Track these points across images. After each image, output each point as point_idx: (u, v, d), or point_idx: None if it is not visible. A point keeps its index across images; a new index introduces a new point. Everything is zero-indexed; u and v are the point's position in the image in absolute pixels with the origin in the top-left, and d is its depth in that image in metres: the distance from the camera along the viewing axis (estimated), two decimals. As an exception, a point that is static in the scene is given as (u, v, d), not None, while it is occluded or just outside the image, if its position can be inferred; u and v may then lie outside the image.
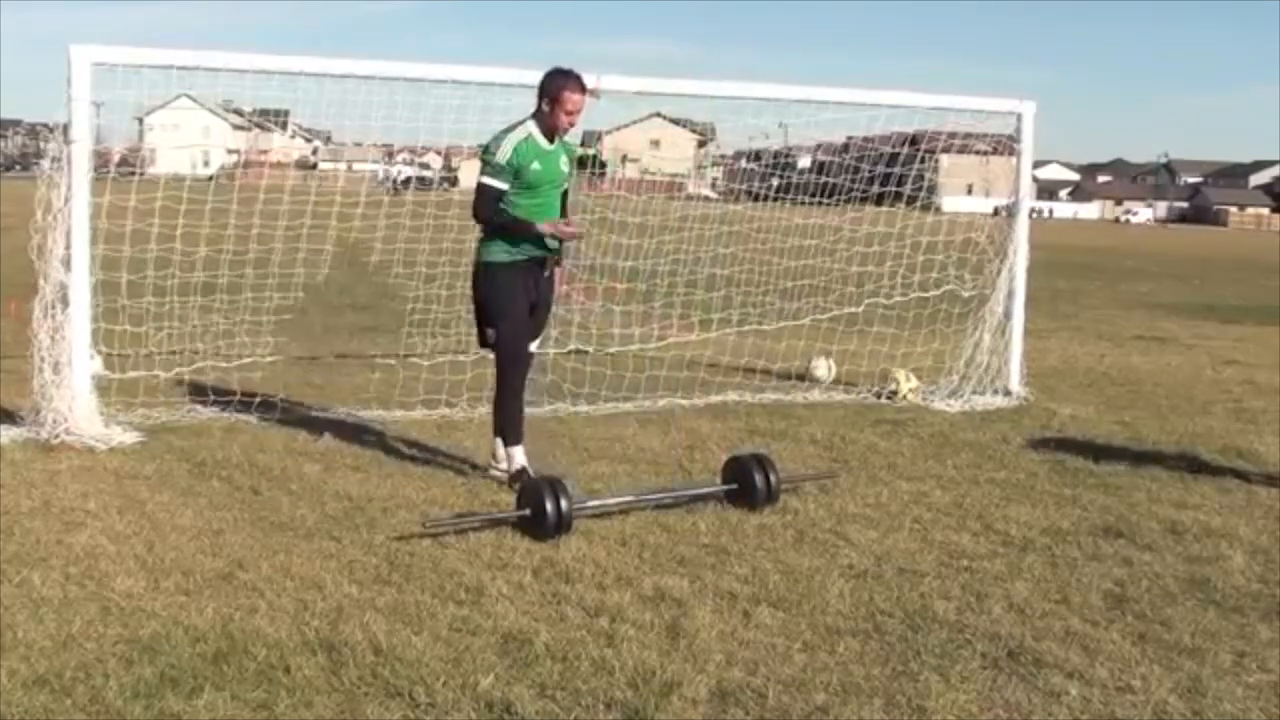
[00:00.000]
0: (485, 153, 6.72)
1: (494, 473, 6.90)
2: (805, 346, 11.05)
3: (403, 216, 10.31)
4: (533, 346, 7.02)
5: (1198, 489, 7.12)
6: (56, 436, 7.46)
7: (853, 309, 10.96)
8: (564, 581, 5.17)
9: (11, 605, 4.70)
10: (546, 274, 6.86)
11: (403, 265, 10.22)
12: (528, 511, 5.86)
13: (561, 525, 5.79)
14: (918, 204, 11.20)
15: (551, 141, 6.72)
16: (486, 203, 6.66)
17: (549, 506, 5.77)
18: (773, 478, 6.46)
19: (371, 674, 4.16)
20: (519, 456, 6.84)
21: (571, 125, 6.77)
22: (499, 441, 6.93)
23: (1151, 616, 4.96)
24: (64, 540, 5.57)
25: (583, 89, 6.71)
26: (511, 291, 6.73)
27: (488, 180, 6.64)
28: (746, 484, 6.45)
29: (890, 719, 3.99)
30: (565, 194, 6.98)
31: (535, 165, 6.65)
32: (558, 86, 6.66)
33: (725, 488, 6.51)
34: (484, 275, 6.78)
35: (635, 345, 10.06)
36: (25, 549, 5.42)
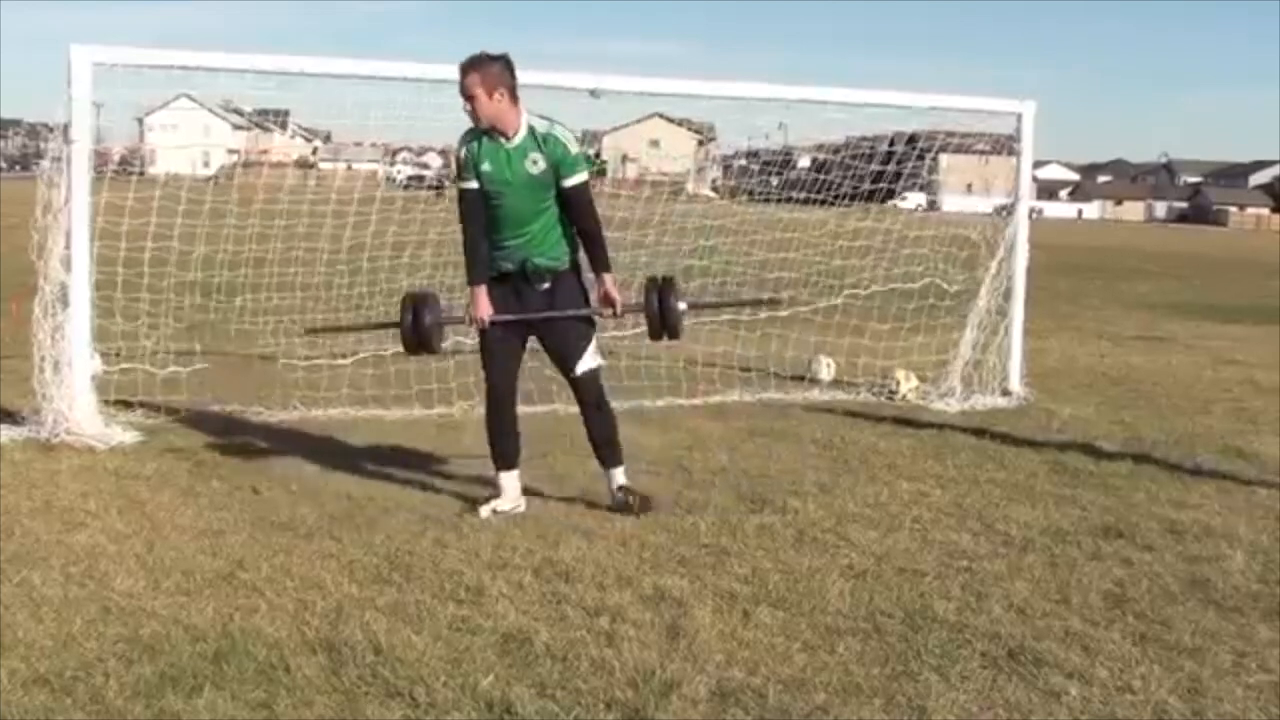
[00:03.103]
0: None
1: (490, 508, 6.20)
2: (802, 344, 11.05)
3: (407, 214, 10.34)
4: (579, 368, 6.27)
5: (1198, 489, 7.11)
6: (56, 436, 7.47)
7: (831, 301, 11.01)
8: (564, 581, 5.17)
9: (11, 605, 4.70)
10: (544, 287, 6.18)
11: (404, 266, 10.24)
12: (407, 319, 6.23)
13: (420, 339, 6.22)
14: (895, 199, 11.28)
15: (506, 138, 6.02)
16: (460, 204, 6.16)
17: (408, 318, 6.17)
18: (671, 299, 6.29)
19: (371, 674, 4.16)
20: (504, 482, 6.32)
21: (470, 114, 6.00)
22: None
23: (1151, 616, 4.96)
24: (64, 540, 5.57)
25: (463, 72, 5.95)
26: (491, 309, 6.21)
27: (460, 182, 6.15)
28: (650, 305, 6.29)
29: (890, 719, 4.00)
30: (580, 204, 6.13)
31: (485, 165, 6.04)
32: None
33: (634, 305, 6.38)
34: None
35: (609, 333, 9.97)
36: (25, 549, 5.43)
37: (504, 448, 6.38)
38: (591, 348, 6.31)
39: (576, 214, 6.15)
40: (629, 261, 11.25)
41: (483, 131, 6.04)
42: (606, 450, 6.43)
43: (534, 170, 6.03)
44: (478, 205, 6.11)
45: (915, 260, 10.84)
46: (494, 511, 6.20)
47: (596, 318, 6.38)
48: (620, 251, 10.83)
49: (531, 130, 6.04)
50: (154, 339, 9.29)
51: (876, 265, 11.16)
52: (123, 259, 8.62)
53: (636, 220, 11.01)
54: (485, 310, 6.18)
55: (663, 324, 6.32)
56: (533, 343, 6.42)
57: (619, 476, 6.42)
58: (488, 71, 5.94)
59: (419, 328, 6.21)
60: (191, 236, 9.42)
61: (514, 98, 6.01)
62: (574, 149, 6.09)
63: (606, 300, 6.27)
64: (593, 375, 6.34)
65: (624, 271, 11.36)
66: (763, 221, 11.68)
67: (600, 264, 6.26)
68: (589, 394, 6.35)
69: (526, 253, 6.13)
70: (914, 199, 13.16)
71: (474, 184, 6.09)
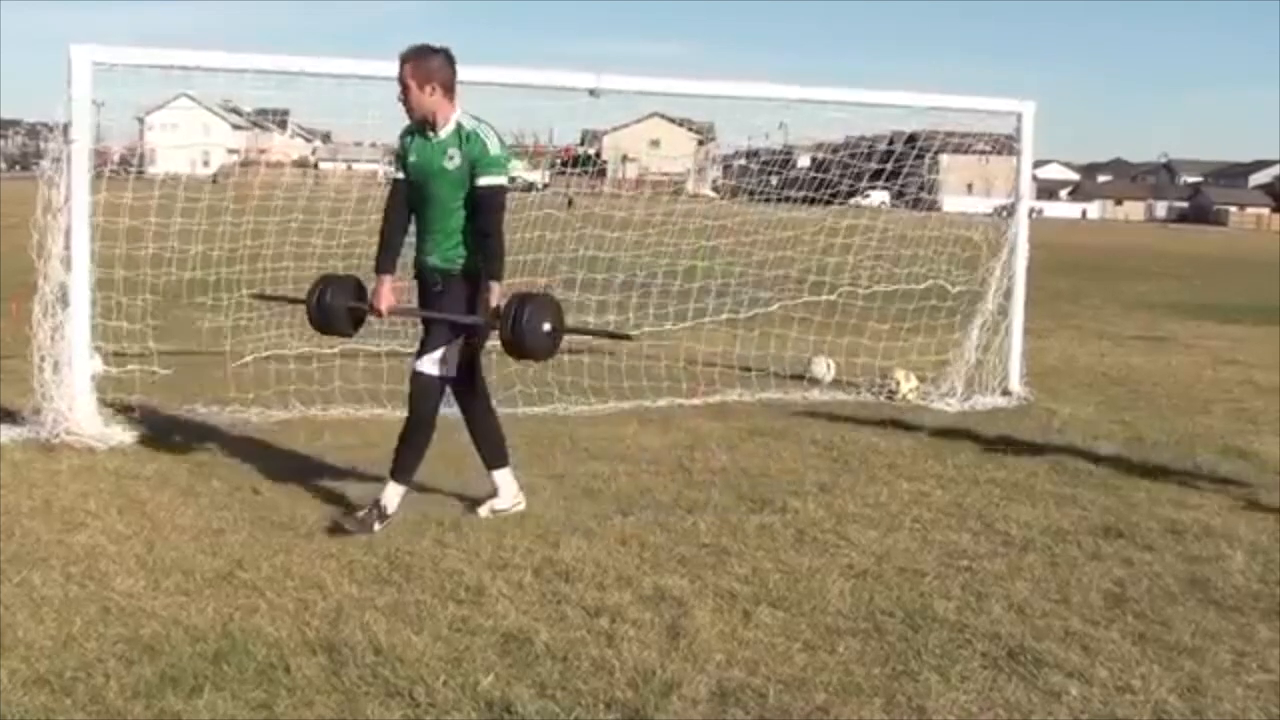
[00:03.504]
0: None
1: (488, 507, 6.23)
2: (802, 344, 11.05)
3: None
4: (417, 365, 6.10)
5: (1198, 489, 7.12)
6: (57, 436, 7.46)
7: (829, 298, 11.03)
8: (564, 581, 5.18)
9: (12, 605, 4.70)
10: (436, 289, 6.07)
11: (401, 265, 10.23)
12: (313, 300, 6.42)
13: (324, 319, 6.40)
14: (906, 199, 11.27)
15: (432, 132, 5.98)
16: (390, 193, 6.23)
17: (313, 299, 6.37)
18: (525, 315, 5.82)
19: (372, 674, 4.16)
20: (499, 480, 6.29)
21: (402, 103, 5.97)
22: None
23: (1151, 616, 4.96)
24: (64, 540, 5.57)
25: (402, 62, 5.93)
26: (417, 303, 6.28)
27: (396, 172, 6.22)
28: (502, 322, 5.86)
29: (890, 719, 4.00)
30: (486, 206, 5.90)
31: (412, 158, 6.03)
32: None
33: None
34: None
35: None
36: (25, 549, 5.43)
37: (487, 449, 6.33)
38: (438, 355, 6.02)
39: (480, 215, 5.91)
40: (629, 262, 11.29)
41: (419, 126, 6.05)
42: (398, 457, 6.13)
43: (449, 165, 5.92)
44: (401, 197, 6.15)
45: (918, 261, 10.85)
46: (493, 510, 6.20)
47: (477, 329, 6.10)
48: (620, 251, 10.86)
49: (458, 127, 5.97)
50: (153, 337, 9.29)
51: (877, 265, 11.17)
52: (122, 258, 8.62)
53: (636, 220, 11.02)
54: (383, 300, 6.21)
55: (515, 343, 5.90)
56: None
57: (386, 492, 6.06)
58: (423, 65, 5.93)
59: (321, 307, 6.40)
60: (189, 235, 9.42)
61: (448, 93, 5.96)
62: (493, 150, 5.92)
63: (485, 308, 5.94)
64: (427, 380, 6.04)
65: (626, 271, 11.44)
66: (763, 221, 11.69)
67: (490, 272, 5.97)
68: (414, 397, 6.09)
69: (430, 250, 6.06)
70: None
71: (401, 175, 6.16)
